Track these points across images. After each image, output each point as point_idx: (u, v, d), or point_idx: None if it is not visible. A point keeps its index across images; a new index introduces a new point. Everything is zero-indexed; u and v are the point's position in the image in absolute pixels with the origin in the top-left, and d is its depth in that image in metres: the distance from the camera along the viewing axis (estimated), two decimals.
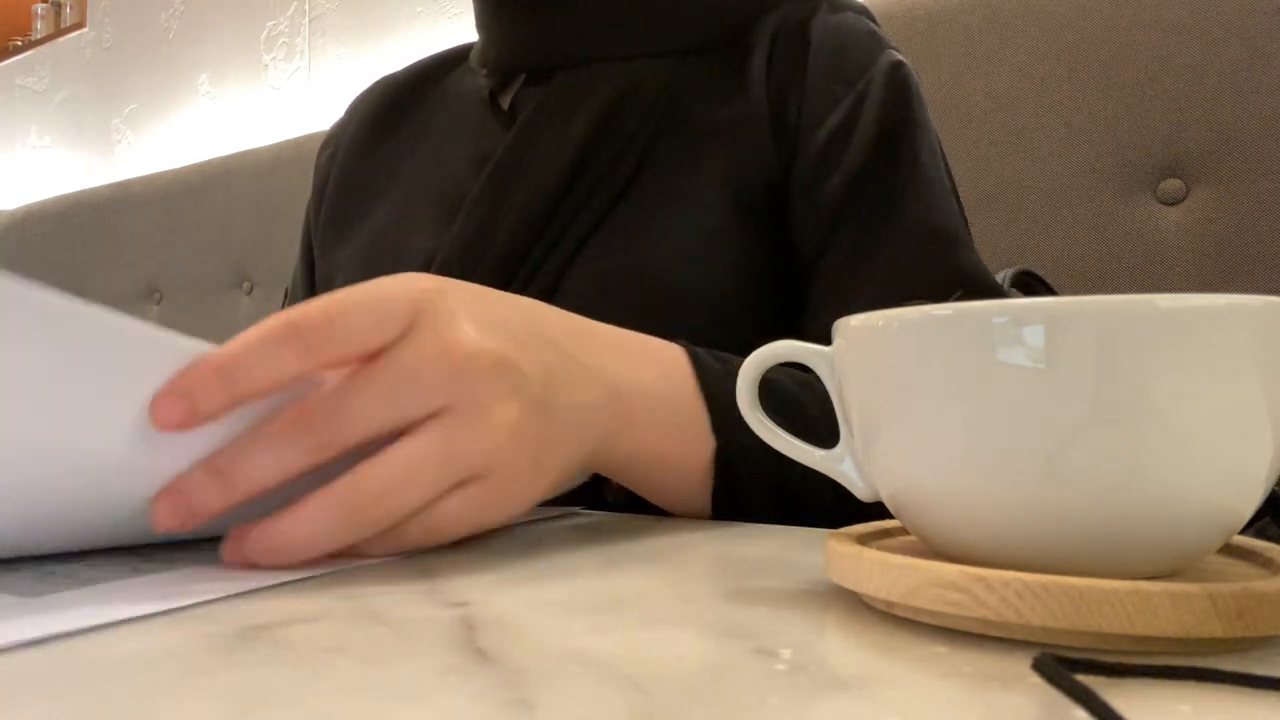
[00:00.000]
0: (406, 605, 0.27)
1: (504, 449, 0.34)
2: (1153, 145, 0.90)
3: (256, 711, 0.19)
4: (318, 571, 0.32)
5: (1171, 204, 0.89)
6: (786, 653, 0.22)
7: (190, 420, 0.29)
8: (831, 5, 0.67)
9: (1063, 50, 0.94)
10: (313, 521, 0.31)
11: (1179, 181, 0.89)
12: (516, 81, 0.70)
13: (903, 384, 0.26)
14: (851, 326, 0.28)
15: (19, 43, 3.03)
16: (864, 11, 0.68)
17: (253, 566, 0.32)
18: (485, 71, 0.71)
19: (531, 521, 0.44)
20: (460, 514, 0.34)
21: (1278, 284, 0.83)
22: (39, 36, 2.96)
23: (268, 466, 0.31)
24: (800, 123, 0.63)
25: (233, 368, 0.30)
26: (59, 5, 2.93)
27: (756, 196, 0.62)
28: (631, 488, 0.45)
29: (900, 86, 0.63)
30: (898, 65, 0.64)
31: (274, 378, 0.30)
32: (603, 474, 0.44)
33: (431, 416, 0.32)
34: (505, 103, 0.69)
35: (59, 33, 2.89)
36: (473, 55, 0.75)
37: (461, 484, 0.33)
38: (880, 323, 0.26)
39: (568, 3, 0.67)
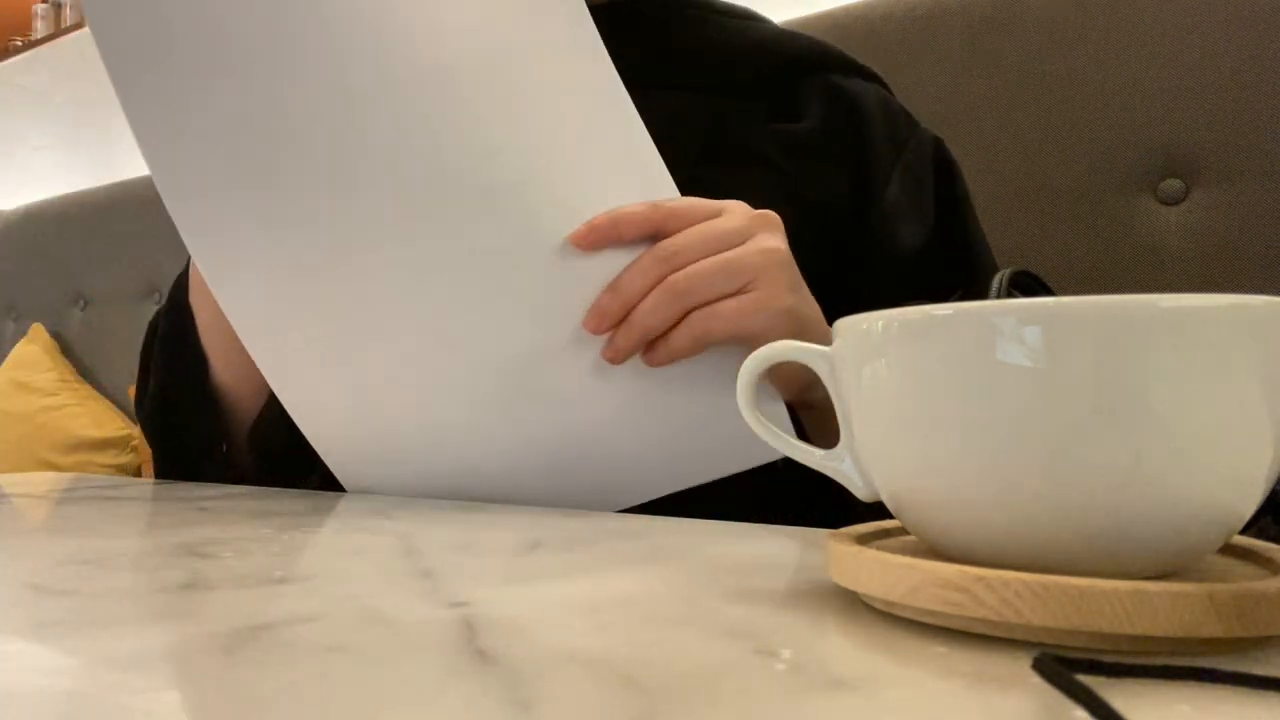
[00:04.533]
0: (406, 605, 0.27)
1: (770, 267, 0.49)
2: (1153, 145, 0.90)
3: (256, 711, 0.19)
4: (318, 572, 0.32)
5: (1171, 204, 0.89)
6: (786, 653, 0.22)
7: (587, 240, 0.49)
8: (863, 75, 0.74)
9: (1063, 50, 0.94)
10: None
11: (1179, 181, 0.89)
12: None
13: (903, 384, 0.26)
14: (851, 326, 0.28)
15: (19, 43, 3.03)
16: (884, 82, 0.77)
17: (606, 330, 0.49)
18: None
19: (530, 522, 0.44)
20: (731, 312, 0.49)
21: (1278, 284, 0.83)
22: (39, 36, 2.96)
23: (638, 278, 0.49)
24: (867, 182, 0.69)
25: (618, 213, 0.49)
26: (59, 5, 2.93)
27: (799, 230, 0.66)
28: (814, 433, 0.57)
29: (949, 169, 0.72)
30: (939, 143, 0.72)
31: (641, 225, 0.49)
32: (802, 405, 0.55)
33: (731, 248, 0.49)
34: None
35: (59, 33, 2.89)
36: None
37: (736, 292, 0.49)
38: (880, 323, 0.26)
39: (611, 33, 0.70)
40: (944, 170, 0.72)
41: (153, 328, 0.71)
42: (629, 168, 0.51)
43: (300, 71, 0.48)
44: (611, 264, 0.49)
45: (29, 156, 2.89)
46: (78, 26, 2.81)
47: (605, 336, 0.50)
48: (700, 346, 0.49)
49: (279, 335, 0.53)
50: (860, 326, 0.27)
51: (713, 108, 0.70)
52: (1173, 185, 0.89)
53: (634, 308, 0.49)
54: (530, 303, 0.50)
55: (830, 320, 0.34)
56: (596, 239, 0.48)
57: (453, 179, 0.49)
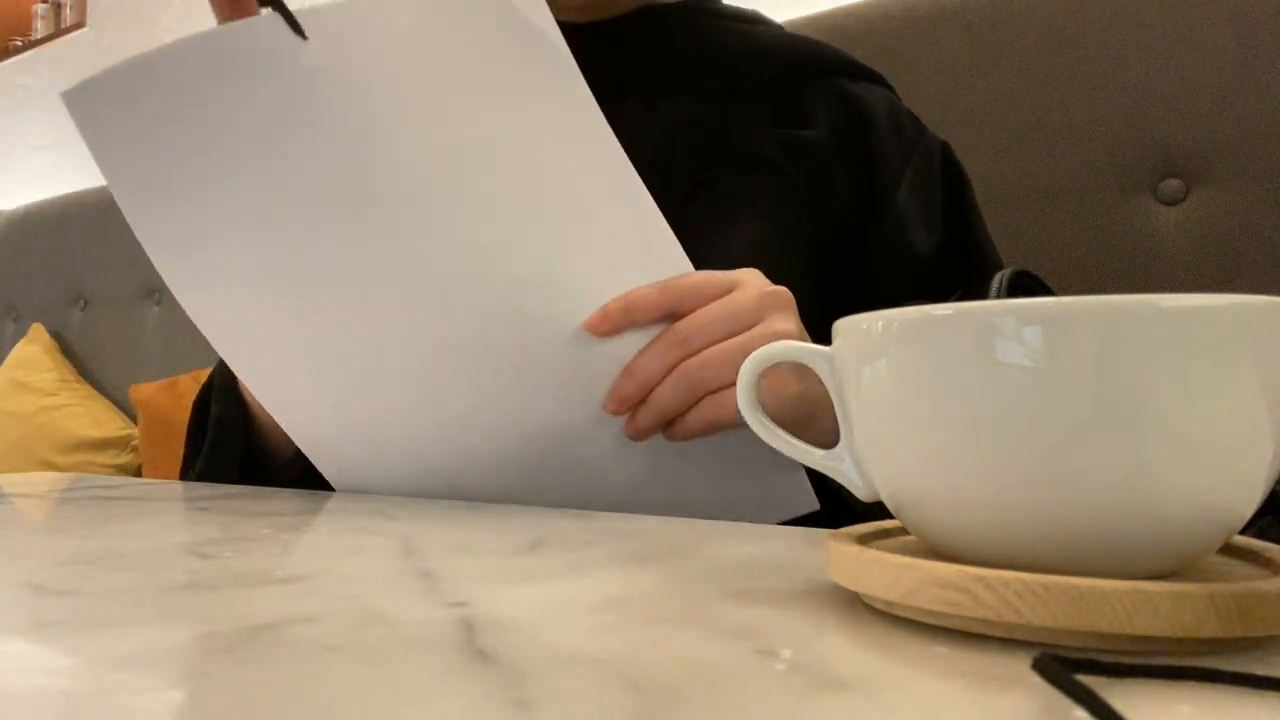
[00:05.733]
0: (406, 605, 0.27)
1: (785, 359, 0.49)
2: (1153, 145, 0.90)
3: (256, 711, 0.19)
4: (318, 572, 0.32)
5: (1171, 204, 0.89)
6: (786, 653, 0.22)
7: (601, 328, 0.49)
8: (870, 79, 0.75)
9: (1063, 50, 0.94)
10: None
11: (1179, 181, 0.89)
12: None
13: (903, 384, 0.26)
14: (851, 326, 0.28)
15: (19, 43, 3.04)
16: (890, 86, 0.77)
17: (624, 409, 0.50)
18: None
19: (530, 522, 0.44)
20: None
21: (1278, 284, 0.83)
22: (39, 36, 2.96)
23: (654, 362, 0.49)
24: (876, 187, 0.69)
25: (631, 298, 0.49)
26: (59, 5, 2.93)
27: (804, 231, 0.68)
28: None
29: (957, 173, 0.73)
30: (946, 147, 0.73)
31: (653, 308, 0.49)
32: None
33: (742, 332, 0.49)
34: None
35: (59, 33, 2.89)
36: None
37: None
38: (880, 323, 0.26)
39: (620, 36, 0.73)
40: (952, 174, 0.72)
41: (199, 404, 0.70)
42: (641, 245, 0.50)
43: (313, 169, 0.47)
44: (628, 343, 0.50)
45: (29, 156, 2.89)
46: (78, 26, 2.81)
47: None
48: (714, 430, 0.49)
49: (294, 406, 0.54)
50: (860, 326, 0.27)
51: (719, 111, 0.70)
52: (1173, 185, 0.89)
53: (652, 390, 0.49)
54: (550, 388, 0.50)
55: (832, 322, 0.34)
56: (611, 327, 0.49)
57: (467, 276, 0.48)
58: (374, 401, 0.53)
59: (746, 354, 0.48)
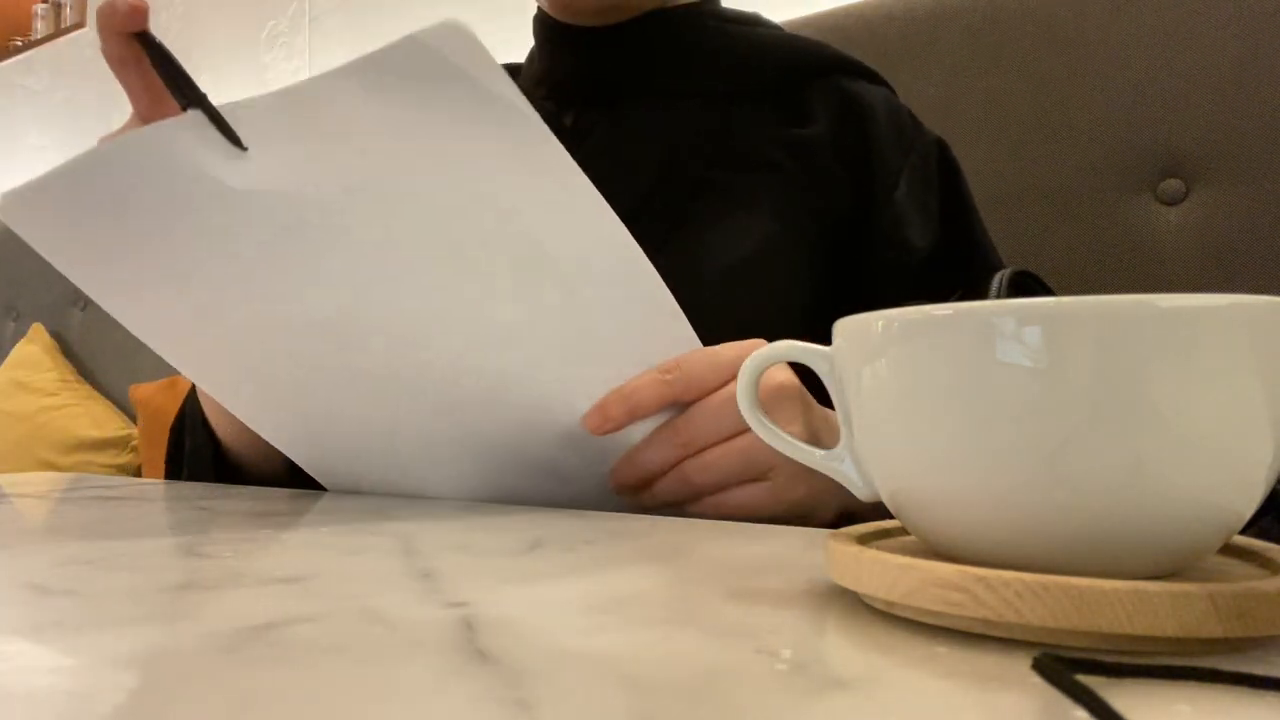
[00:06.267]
0: (406, 605, 0.27)
1: (788, 458, 0.45)
2: (1153, 145, 0.90)
3: (256, 711, 0.19)
4: (318, 572, 0.32)
5: (1171, 204, 0.89)
6: (786, 653, 0.22)
7: (603, 429, 0.48)
8: (869, 78, 0.75)
9: (1063, 50, 0.94)
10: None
11: (1179, 181, 0.89)
12: (576, 104, 0.75)
13: (903, 384, 0.26)
14: (851, 326, 0.28)
15: (19, 43, 3.04)
16: (889, 84, 0.78)
17: (625, 488, 0.50)
18: (544, 93, 0.77)
19: (530, 522, 0.44)
20: (745, 501, 0.48)
21: (1278, 284, 0.83)
22: (39, 36, 2.97)
23: (656, 457, 0.48)
24: (875, 184, 0.70)
25: (630, 393, 0.47)
26: (59, 5, 2.93)
27: (807, 230, 0.68)
28: None
29: (953, 170, 0.73)
30: (943, 145, 0.73)
31: (655, 403, 0.48)
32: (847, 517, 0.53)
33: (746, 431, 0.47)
34: (568, 120, 0.75)
35: (59, 33, 2.89)
36: (527, 75, 0.80)
37: (752, 479, 0.48)
38: (880, 323, 0.26)
39: (625, 40, 0.74)
40: (949, 172, 0.73)
41: (174, 434, 0.71)
42: (643, 319, 0.48)
43: (301, 259, 0.45)
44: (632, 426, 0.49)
45: (29, 156, 2.89)
46: (78, 26, 2.81)
47: None
48: (717, 519, 0.49)
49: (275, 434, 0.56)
50: (860, 326, 0.27)
51: (722, 114, 0.71)
52: (1173, 185, 0.89)
53: (654, 478, 0.49)
54: (550, 470, 0.50)
55: (834, 321, 0.34)
56: (612, 427, 0.48)
57: (462, 369, 0.47)
58: (363, 462, 0.54)
59: (750, 458, 0.47)
